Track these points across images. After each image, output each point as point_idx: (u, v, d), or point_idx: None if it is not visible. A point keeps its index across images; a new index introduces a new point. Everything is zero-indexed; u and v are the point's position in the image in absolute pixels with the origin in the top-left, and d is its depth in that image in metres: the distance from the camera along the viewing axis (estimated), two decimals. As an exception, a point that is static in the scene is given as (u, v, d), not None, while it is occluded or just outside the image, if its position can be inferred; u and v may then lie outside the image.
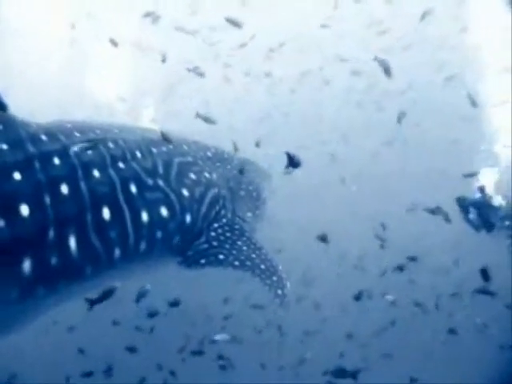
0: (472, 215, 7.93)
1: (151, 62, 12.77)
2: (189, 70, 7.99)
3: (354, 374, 7.37)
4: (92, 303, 4.39)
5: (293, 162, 4.80)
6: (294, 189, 10.71)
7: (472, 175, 8.13)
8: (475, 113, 9.83)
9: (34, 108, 6.36)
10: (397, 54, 11.19)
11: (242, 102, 14.66)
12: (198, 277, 5.21)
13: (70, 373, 8.98)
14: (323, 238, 6.28)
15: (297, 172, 5.03)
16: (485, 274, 7.22)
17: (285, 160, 4.91)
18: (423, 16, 9.94)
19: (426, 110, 13.62)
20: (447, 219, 7.02)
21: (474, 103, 8.26)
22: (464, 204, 8.00)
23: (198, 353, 8.47)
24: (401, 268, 7.84)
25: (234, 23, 8.28)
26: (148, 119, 11.03)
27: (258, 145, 7.92)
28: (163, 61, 8.08)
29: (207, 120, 6.34)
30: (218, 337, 7.57)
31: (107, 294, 4.41)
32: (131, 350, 8.35)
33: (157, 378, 9.28)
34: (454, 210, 7.91)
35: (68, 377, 9.03)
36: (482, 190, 7.95)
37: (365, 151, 14.21)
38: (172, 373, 9.11)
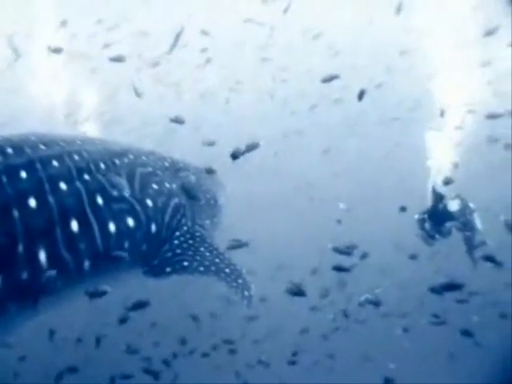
0: (427, 224, 7.91)
1: (86, 71, 12.67)
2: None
3: None
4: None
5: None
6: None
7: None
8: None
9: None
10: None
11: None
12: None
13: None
14: None
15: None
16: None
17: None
18: None
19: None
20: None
21: None
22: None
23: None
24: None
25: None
26: (89, 128, 10.85)
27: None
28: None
29: (179, 120, 6.42)
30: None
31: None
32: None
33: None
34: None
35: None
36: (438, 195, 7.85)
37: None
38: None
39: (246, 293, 4.41)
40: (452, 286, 5.53)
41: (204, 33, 13.57)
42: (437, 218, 7.81)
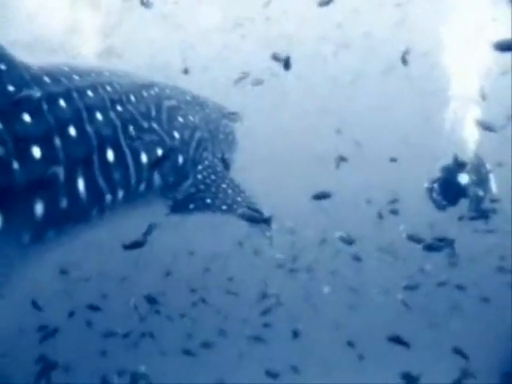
0: (435, 194, 7.81)
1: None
2: None
3: None
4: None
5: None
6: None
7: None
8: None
9: None
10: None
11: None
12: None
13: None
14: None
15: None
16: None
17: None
18: None
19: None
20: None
21: None
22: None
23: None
24: None
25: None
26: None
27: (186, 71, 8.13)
28: None
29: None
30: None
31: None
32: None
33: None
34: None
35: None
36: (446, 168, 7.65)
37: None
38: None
39: (267, 233, 4.65)
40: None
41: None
42: (447, 188, 7.69)
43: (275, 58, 5.69)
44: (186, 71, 8.33)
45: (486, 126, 6.32)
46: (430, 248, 5.68)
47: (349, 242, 6.63)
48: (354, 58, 15.42)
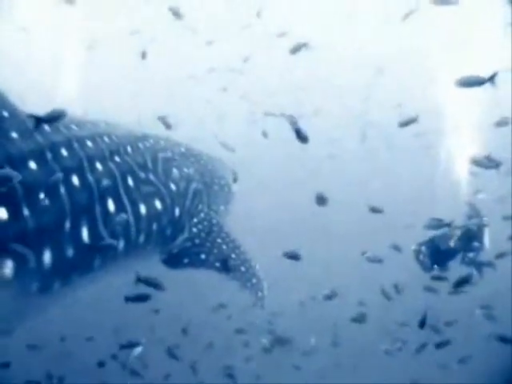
0: (422, 256, 7.61)
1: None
2: None
3: None
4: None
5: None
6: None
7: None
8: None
9: None
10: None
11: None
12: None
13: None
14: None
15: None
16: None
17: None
18: None
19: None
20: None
21: None
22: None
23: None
24: None
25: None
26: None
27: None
28: None
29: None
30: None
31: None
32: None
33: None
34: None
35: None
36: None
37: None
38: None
39: (260, 293, 4.52)
40: None
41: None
42: (435, 251, 7.51)
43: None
44: (168, 126, 8.19)
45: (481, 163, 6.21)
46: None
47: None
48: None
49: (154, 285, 4.24)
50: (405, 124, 6.36)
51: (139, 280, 4.18)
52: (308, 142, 4.62)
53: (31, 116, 3.35)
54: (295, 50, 7.23)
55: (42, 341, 8.35)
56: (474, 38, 11.08)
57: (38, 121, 3.38)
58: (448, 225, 6.28)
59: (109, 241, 3.78)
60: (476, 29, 11.11)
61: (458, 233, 7.33)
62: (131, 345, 5.48)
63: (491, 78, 4.53)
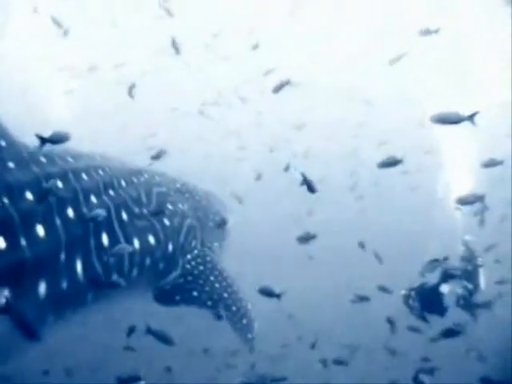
0: (412, 301, 7.26)
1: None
2: None
3: None
4: None
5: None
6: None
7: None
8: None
9: None
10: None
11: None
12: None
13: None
14: None
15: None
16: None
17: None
18: None
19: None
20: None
21: None
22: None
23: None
24: None
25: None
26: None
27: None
28: None
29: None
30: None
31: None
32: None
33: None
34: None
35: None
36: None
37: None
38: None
39: (249, 335, 4.42)
40: None
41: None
42: (426, 296, 7.19)
43: None
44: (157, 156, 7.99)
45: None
46: None
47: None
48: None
49: (164, 339, 4.08)
50: (387, 165, 5.92)
51: (149, 332, 4.03)
52: (316, 191, 4.70)
53: (37, 136, 3.40)
54: (278, 88, 6.95)
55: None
56: (469, 73, 11.22)
57: (44, 141, 3.44)
58: (444, 260, 6.28)
59: (116, 279, 3.76)
60: (472, 63, 11.30)
61: (450, 275, 7.03)
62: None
63: (471, 117, 4.31)
